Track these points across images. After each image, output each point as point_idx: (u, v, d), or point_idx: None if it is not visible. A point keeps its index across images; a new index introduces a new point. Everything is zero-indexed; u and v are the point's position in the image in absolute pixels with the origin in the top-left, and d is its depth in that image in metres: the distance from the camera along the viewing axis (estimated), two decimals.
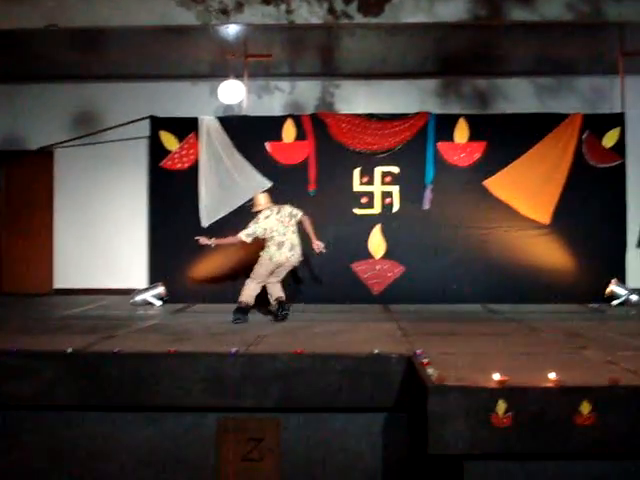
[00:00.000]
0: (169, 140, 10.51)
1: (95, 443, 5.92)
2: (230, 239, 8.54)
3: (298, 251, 8.47)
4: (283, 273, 8.56)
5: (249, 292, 8.43)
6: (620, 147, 10.28)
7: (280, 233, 8.34)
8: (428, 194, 10.33)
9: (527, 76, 11.34)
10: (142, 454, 5.91)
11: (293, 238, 8.41)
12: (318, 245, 8.50)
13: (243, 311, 8.35)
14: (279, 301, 8.46)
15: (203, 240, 8.48)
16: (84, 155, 11.59)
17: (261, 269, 8.40)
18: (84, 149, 11.60)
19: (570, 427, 4.46)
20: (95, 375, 5.78)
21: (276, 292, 8.52)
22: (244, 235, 8.39)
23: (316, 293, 10.15)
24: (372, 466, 5.78)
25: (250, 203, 9.95)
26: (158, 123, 10.59)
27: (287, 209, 8.53)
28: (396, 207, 10.39)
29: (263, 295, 8.56)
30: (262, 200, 8.58)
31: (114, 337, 6.88)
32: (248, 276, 8.60)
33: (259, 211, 8.51)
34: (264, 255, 8.40)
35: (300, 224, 8.57)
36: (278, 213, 8.45)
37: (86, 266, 11.53)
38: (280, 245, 8.32)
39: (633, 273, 10.47)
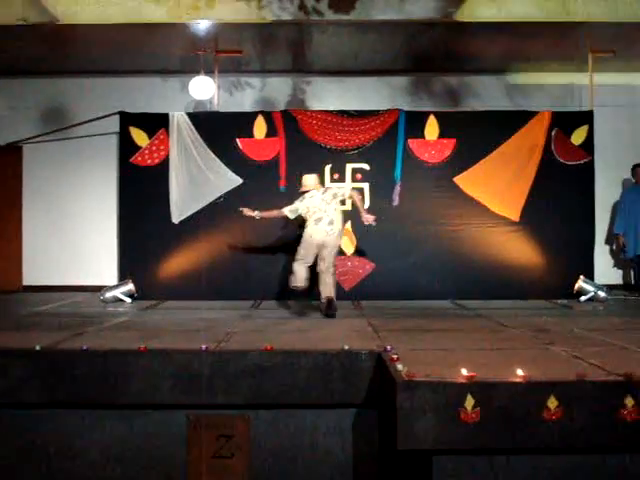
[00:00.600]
0: (139, 136, 10.45)
1: (64, 441, 5.86)
2: (275, 212, 8.65)
3: (338, 227, 8.36)
4: (329, 257, 8.33)
5: (296, 274, 8.31)
6: (588, 144, 10.40)
7: (321, 210, 8.32)
8: (397, 190, 10.37)
9: (497, 74, 11.44)
10: (112, 452, 5.86)
11: (333, 214, 8.34)
12: (367, 218, 8.46)
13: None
14: (328, 299, 8.31)
15: (247, 211, 8.59)
16: (53, 151, 11.50)
17: (301, 248, 8.34)
18: (53, 145, 11.51)
19: (538, 422, 4.50)
20: (64, 372, 5.71)
21: (325, 290, 8.35)
22: (287, 211, 8.49)
23: (287, 289, 10.13)
24: (342, 462, 5.79)
25: (220, 199, 10.01)
26: (128, 119, 10.53)
27: (333, 190, 8.56)
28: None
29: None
30: (310, 181, 8.61)
31: (83, 334, 6.83)
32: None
33: (306, 191, 8.54)
34: (304, 233, 8.39)
35: (349, 200, 8.91)
36: (324, 194, 8.46)
37: (56, 263, 11.45)
38: (318, 220, 8.29)
39: (601, 269, 10.63)
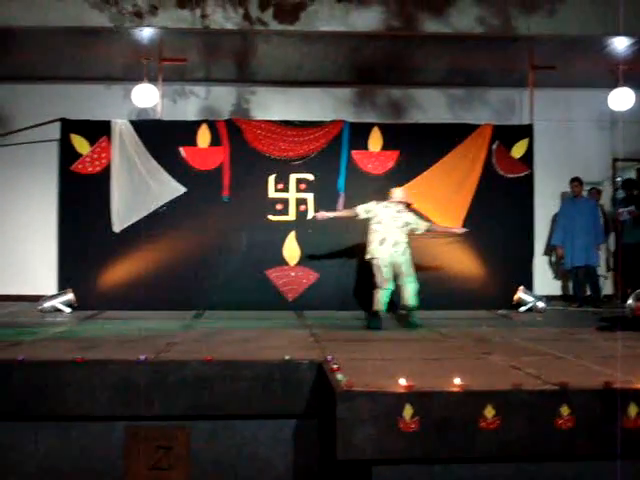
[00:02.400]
0: (80, 143, 10.31)
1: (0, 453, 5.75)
2: (346, 212, 9.07)
3: (402, 247, 8.48)
4: (403, 270, 8.52)
5: (375, 299, 8.43)
6: (528, 158, 10.60)
7: (386, 227, 8.44)
8: (341, 201, 10.40)
9: (440, 87, 11.59)
10: (48, 464, 5.75)
11: (398, 236, 8.45)
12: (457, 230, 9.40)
13: (375, 315, 8.44)
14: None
15: (321, 215, 8.89)
16: None
17: (376, 275, 8.47)
18: None
19: (475, 431, 4.54)
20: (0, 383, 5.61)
21: (403, 297, 8.60)
22: (362, 210, 8.62)
23: (230, 299, 10.08)
24: (283, 473, 5.77)
25: (163, 208, 9.93)
26: (69, 126, 10.37)
27: (405, 218, 8.62)
28: (311, 214, 10.42)
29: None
30: (396, 194, 8.74)
31: (20, 344, 6.70)
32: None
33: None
34: (371, 261, 8.49)
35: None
36: (397, 212, 8.56)
37: None
38: (382, 241, 8.39)
39: (540, 280, 10.80)
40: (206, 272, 10.25)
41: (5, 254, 11.20)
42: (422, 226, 8.74)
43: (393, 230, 8.41)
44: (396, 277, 8.48)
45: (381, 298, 8.39)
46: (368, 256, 8.47)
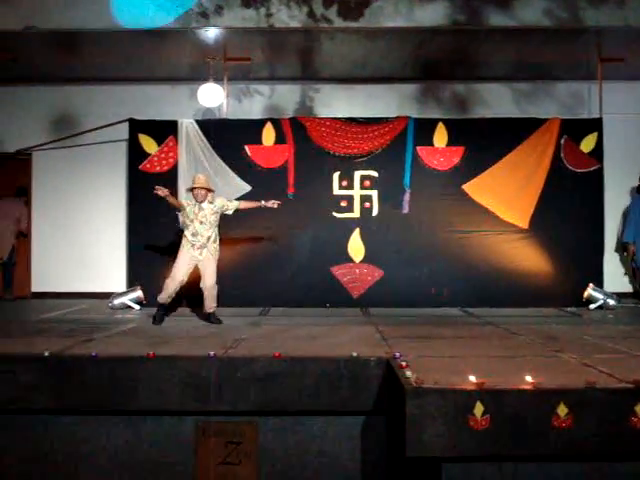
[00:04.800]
0: (148, 143, 10.48)
1: (72, 447, 5.88)
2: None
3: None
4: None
5: None
6: (598, 152, 10.36)
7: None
8: (407, 198, 10.36)
9: (506, 81, 11.41)
10: (120, 458, 5.88)
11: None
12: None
13: None
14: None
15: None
16: (62, 158, 11.52)
17: None
18: (62, 152, 11.53)
19: (547, 429, 4.48)
20: (73, 378, 5.73)
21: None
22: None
23: (296, 296, 10.14)
24: (350, 469, 5.78)
25: None
26: (137, 126, 10.55)
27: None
28: (375, 211, 10.41)
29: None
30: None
31: (92, 341, 6.85)
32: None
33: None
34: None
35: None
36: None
37: (64, 269, 11.46)
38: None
39: (610, 277, 10.56)
40: (272, 269, 10.31)
41: (76, 252, 11.45)
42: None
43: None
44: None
45: None
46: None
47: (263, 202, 8.76)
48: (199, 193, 8.36)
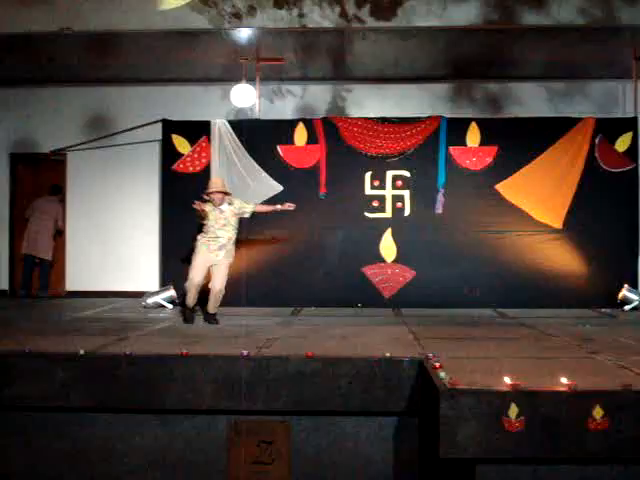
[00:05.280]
0: (181, 143, 10.55)
1: (106, 445, 5.93)
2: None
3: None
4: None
5: None
6: (633, 151, 10.26)
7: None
8: (440, 198, 10.33)
9: (539, 80, 11.32)
10: (153, 456, 5.92)
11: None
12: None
13: None
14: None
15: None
16: (96, 158, 11.64)
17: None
18: (96, 152, 11.65)
19: (583, 431, 4.44)
20: (107, 377, 5.78)
21: None
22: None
23: (327, 296, 10.15)
24: (383, 470, 5.77)
25: None
26: (170, 126, 10.63)
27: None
28: (407, 211, 10.39)
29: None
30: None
31: (126, 339, 6.90)
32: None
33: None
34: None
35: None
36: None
37: (98, 268, 11.58)
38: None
39: None
40: (303, 269, 10.33)
41: (110, 251, 11.57)
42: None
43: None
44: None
45: None
46: None
47: (279, 206, 8.77)
48: (216, 197, 8.38)
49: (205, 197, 8.50)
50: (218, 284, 8.44)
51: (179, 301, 10.14)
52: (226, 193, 8.50)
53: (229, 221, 8.43)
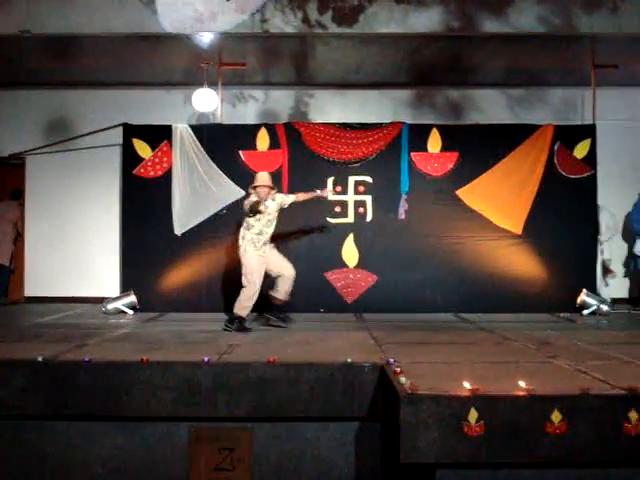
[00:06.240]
0: (142, 148, 10.46)
1: (66, 453, 5.85)
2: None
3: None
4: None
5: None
6: (591, 158, 10.39)
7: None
8: (403, 203, 10.37)
9: (500, 87, 11.46)
10: (113, 464, 5.85)
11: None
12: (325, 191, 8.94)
13: None
14: None
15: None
16: (56, 162, 11.52)
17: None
18: (56, 156, 11.52)
19: (541, 435, 4.49)
20: (66, 384, 5.72)
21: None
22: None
23: (290, 301, 10.09)
24: (345, 475, 5.77)
25: (223, 212, 10.01)
26: (131, 130, 10.53)
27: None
28: (369, 216, 10.43)
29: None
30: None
31: (86, 346, 6.83)
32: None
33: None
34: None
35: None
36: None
37: (58, 274, 11.45)
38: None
39: (603, 282, 10.58)
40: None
41: (70, 257, 11.44)
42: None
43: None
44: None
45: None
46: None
47: (318, 191, 8.75)
48: (262, 191, 8.29)
49: (251, 191, 8.42)
50: (289, 269, 8.45)
51: (140, 307, 10.08)
52: (271, 187, 8.41)
53: (273, 215, 8.37)
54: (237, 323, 8.26)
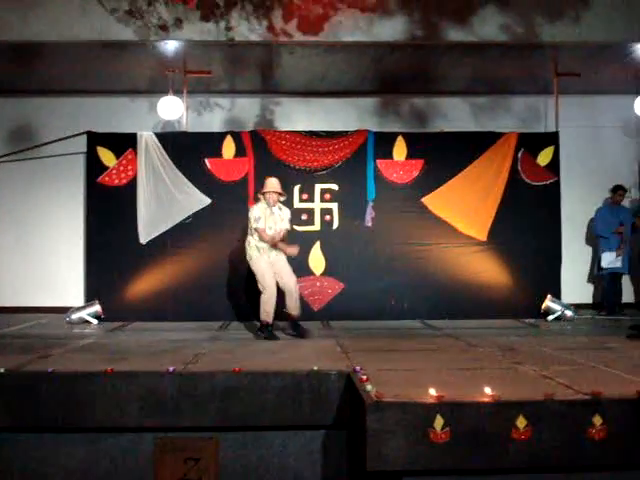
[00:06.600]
0: (106, 156, 10.37)
1: (30, 465, 5.75)
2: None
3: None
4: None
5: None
6: (554, 165, 10.52)
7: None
8: (370, 211, 10.40)
9: (464, 95, 11.55)
10: (77, 476, 5.76)
11: None
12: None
13: None
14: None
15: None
16: (20, 171, 11.37)
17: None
18: (20, 165, 11.38)
19: (507, 441, 4.50)
20: (29, 395, 5.62)
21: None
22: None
23: (257, 310, 10.07)
24: None
25: (188, 220, 9.96)
26: (95, 139, 10.45)
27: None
28: (336, 224, 10.44)
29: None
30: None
31: (49, 356, 6.73)
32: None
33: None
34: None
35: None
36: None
37: (22, 284, 11.30)
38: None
39: (568, 288, 10.67)
40: (232, 283, 10.25)
41: (33, 266, 11.30)
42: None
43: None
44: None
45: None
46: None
47: (289, 249, 8.50)
48: (271, 197, 8.25)
49: (259, 197, 8.38)
50: (291, 279, 8.31)
51: (104, 316, 9.98)
52: (280, 194, 8.36)
53: (277, 224, 8.29)
54: (266, 330, 8.21)
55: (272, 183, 8.34)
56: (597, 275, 11.22)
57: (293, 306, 8.34)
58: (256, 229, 8.19)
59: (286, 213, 8.45)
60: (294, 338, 8.27)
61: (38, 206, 11.37)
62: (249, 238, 8.33)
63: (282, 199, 8.46)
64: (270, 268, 8.25)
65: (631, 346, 7.45)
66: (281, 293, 8.31)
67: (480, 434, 4.49)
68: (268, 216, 8.26)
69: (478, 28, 9.19)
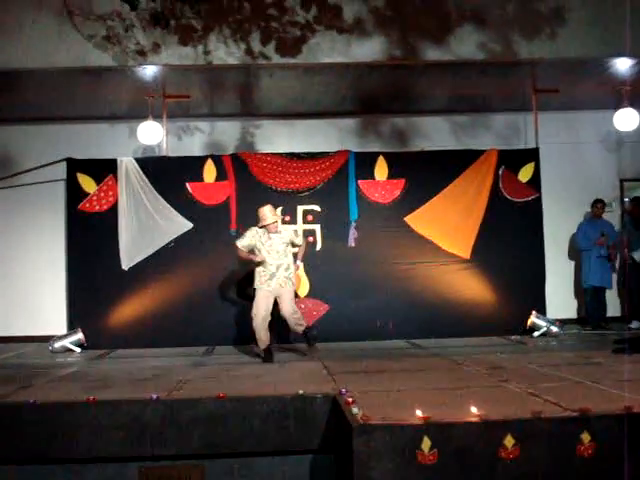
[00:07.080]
0: (87, 182, 10.32)
1: None
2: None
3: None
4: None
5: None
6: (535, 181, 10.56)
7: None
8: (353, 231, 10.39)
9: (443, 114, 11.59)
10: None
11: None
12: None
13: None
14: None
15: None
16: None
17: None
18: None
19: (495, 461, 4.47)
20: (10, 427, 5.55)
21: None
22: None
23: (241, 333, 10.02)
24: None
25: (171, 244, 9.91)
26: (75, 165, 10.39)
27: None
28: (319, 245, 10.41)
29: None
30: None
31: (31, 387, 6.66)
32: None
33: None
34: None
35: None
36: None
37: (2, 313, 11.16)
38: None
39: (553, 304, 10.67)
40: (215, 307, 10.19)
41: (14, 295, 11.18)
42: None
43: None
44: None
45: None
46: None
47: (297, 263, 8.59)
48: (272, 227, 8.26)
49: (258, 229, 8.33)
50: (286, 309, 8.28)
51: (87, 345, 9.89)
52: (276, 221, 8.35)
53: (275, 248, 8.25)
54: (261, 352, 8.39)
55: (268, 214, 8.31)
56: (584, 287, 11.17)
57: (294, 328, 8.46)
58: (233, 243, 8.27)
59: (286, 234, 8.43)
60: (276, 362, 8.22)
61: (18, 234, 11.26)
62: (254, 265, 8.40)
63: (280, 224, 8.51)
64: (265, 298, 8.25)
65: (617, 361, 7.45)
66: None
67: (468, 454, 4.46)
68: (265, 241, 8.26)
69: (456, 47, 9.23)
